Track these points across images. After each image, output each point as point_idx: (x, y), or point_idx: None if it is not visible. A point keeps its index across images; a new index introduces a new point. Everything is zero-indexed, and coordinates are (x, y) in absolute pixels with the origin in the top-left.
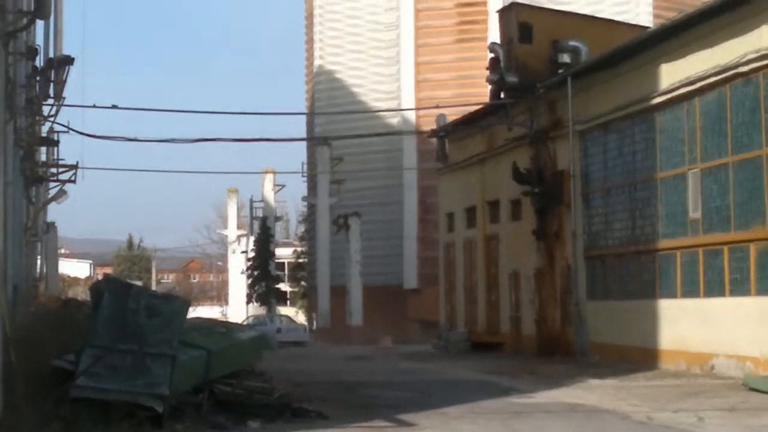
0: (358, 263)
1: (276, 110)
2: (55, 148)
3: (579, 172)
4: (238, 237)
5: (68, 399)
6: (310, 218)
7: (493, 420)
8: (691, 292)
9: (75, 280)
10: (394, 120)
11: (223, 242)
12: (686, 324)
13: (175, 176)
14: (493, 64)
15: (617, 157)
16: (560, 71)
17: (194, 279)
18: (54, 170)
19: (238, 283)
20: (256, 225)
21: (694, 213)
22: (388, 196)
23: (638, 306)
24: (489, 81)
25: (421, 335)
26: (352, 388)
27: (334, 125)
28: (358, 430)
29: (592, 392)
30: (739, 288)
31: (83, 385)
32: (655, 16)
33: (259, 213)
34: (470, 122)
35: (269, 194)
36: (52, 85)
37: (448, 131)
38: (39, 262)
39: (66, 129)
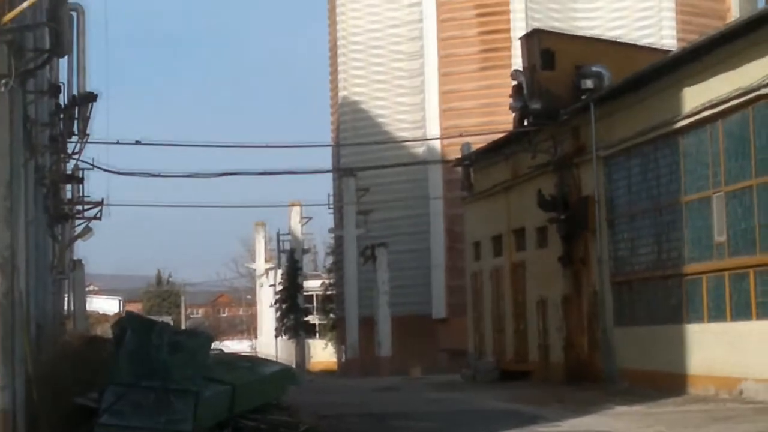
0: (386, 294)
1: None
2: (81, 185)
3: (604, 197)
4: (267, 270)
5: None
6: (337, 250)
7: None
8: (718, 316)
9: (104, 317)
10: (419, 149)
11: (252, 276)
12: (714, 348)
13: (202, 210)
14: (517, 91)
15: (642, 181)
16: (583, 97)
17: (223, 313)
18: (79, 207)
19: (267, 317)
20: (284, 258)
21: (720, 236)
22: (415, 226)
23: (666, 331)
24: (512, 108)
25: (450, 365)
26: (378, 420)
27: (360, 156)
28: None
29: (619, 419)
30: (767, 311)
31: (107, 423)
32: (679, 39)
33: (287, 246)
34: (494, 150)
35: (296, 227)
36: (76, 122)
37: (473, 160)
38: (66, 299)
39: (91, 166)
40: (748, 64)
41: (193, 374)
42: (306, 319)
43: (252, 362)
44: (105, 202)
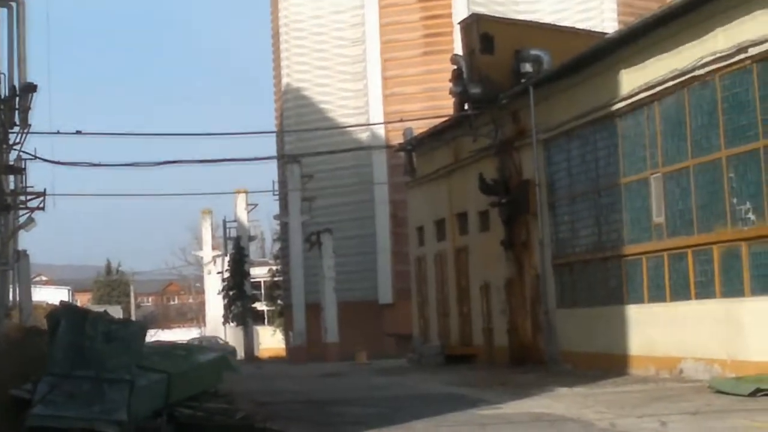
0: (332, 279)
1: (245, 130)
2: (23, 176)
3: (544, 180)
4: (214, 258)
5: (25, 428)
6: (283, 237)
7: None
8: (657, 296)
9: (53, 308)
10: (363, 135)
11: (199, 264)
12: (654, 329)
13: (149, 200)
14: (457, 76)
15: (581, 164)
16: (523, 81)
17: (173, 302)
18: (22, 198)
19: (215, 304)
20: (231, 245)
21: (658, 217)
22: (359, 212)
23: (607, 312)
24: (452, 93)
25: (397, 349)
26: (320, 406)
27: (304, 143)
28: None
29: (560, 401)
30: (705, 291)
31: (40, 414)
32: (620, 22)
33: (233, 233)
34: (436, 135)
35: (242, 214)
36: (17, 112)
37: (415, 145)
38: (11, 290)
39: (32, 157)
40: (683, 46)
41: (127, 363)
42: (253, 306)
43: (187, 350)
44: (47, 193)
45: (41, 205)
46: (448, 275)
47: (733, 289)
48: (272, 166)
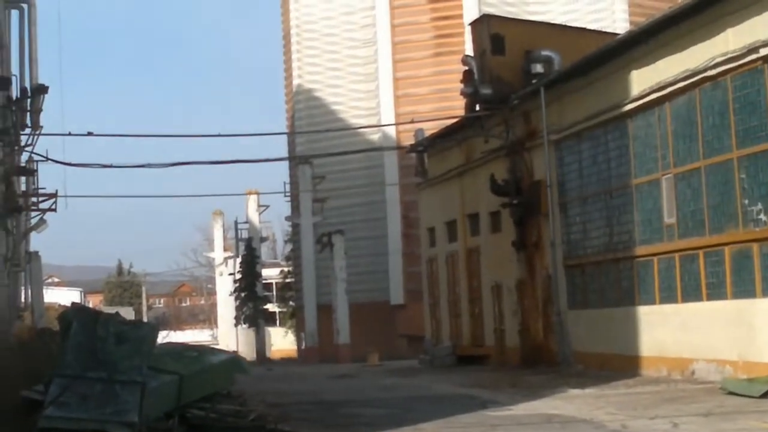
0: (344, 281)
1: (258, 131)
2: (34, 177)
3: (555, 181)
4: (225, 259)
5: (37, 429)
6: (294, 238)
7: None
8: (669, 297)
9: (64, 309)
10: (375, 136)
11: (211, 265)
12: (666, 330)
13: (161, 201)
14: (467, 76)
15: (592, 165)
16: (533, 81)
17: (185, 303)
18: (34, 199)
19: (226, 306)
20: (242, 246)
21: (669, 218)
22: (371, 213)
23: (618, 313)
24: (463, 94)
25: (408, 351)
26: (331, 407)
27: (315, 144)
28: None
29: (571, 402)
30: (716, 292)
31: (52, 415)
32: (632, 23)
33: (245, 234)
34: (448, 136)
35: (254, 215)
36: (28, 114)
37: (427, 146)
38: (23, 292)
39: (44, 158)
40: (694, 46)
41: (139, 365)
42: (265, 307)
43: (199, 352)
44: (59, 194)
45: (53, 207)
46: (459, 276)
47: (744, 290)
48: (283, 168)
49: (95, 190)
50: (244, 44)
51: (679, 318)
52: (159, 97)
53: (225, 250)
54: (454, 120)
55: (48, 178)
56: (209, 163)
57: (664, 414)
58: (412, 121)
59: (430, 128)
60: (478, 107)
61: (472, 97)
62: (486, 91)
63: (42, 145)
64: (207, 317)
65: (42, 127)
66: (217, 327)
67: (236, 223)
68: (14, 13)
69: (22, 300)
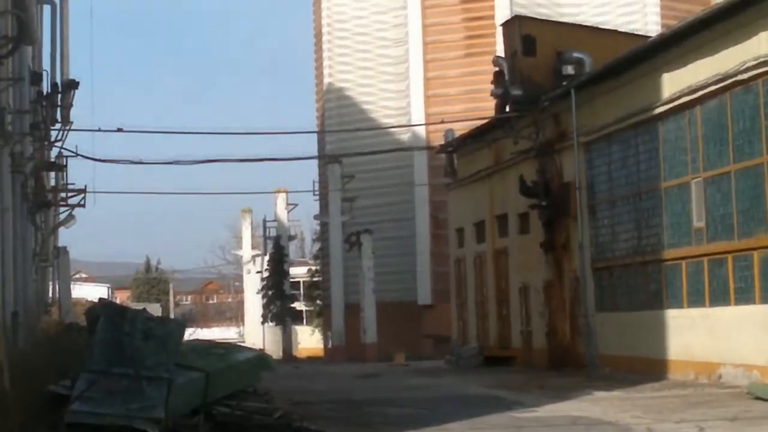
0: (371, 280)
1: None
2: (64, 173)
3: (585, 183)
4: (253, 257)
5: (63, 424)
6: (323, 236)
7: None
8: (697, 301)
9: (91, 304)
10: (404, 136)
11: (239, 263)
12: (693, 334)
13: (189, 198)
14: (498, 77)
15: (622, 167)
16: (564, 83)
17: (212, 300)
18: (63, 195)
19: (253, 304)
20: (270, 244)
21: (698, 222)
22: (400, 213)
23: (646, 317)
24: (493, 95)
25: (435, 351)
26: (357, 406)
27: (345, 143)
28: None
29: (597, 404)
30: (744, 296)
31: (78, 410)
32: (663, 25)
33: (273, 232)
34: (477, 136)
35: (282, 213)
36: (58, 109)
37: (456, 146)
38: (51, 286)
39: (73, 154)
40: (725, 50)
41: (165, 361)
42: (292, 305)
43: (225, 349)
44: (88, 190)
45: (82, 202)
46: (487, 277)
47: None
48: (313, 166)
49: (124, 185)
50: (275, 41)
51: (707, 322)
52: (188, 95)
53: (253, 248)
54: (484, 121)
55: (77, 173)
56: (239, 160)
57: (690, 418)
58: (442, 122)
59: (460, 129)
60: (508, 108)
61: (502, 98)
62: (516, 92)
63: (72, 140)
64: (234, 315)
65: (72, 122)
66: (243, 325)
67: (265, 221)
68: (46, 9)
69: (50, 295)
